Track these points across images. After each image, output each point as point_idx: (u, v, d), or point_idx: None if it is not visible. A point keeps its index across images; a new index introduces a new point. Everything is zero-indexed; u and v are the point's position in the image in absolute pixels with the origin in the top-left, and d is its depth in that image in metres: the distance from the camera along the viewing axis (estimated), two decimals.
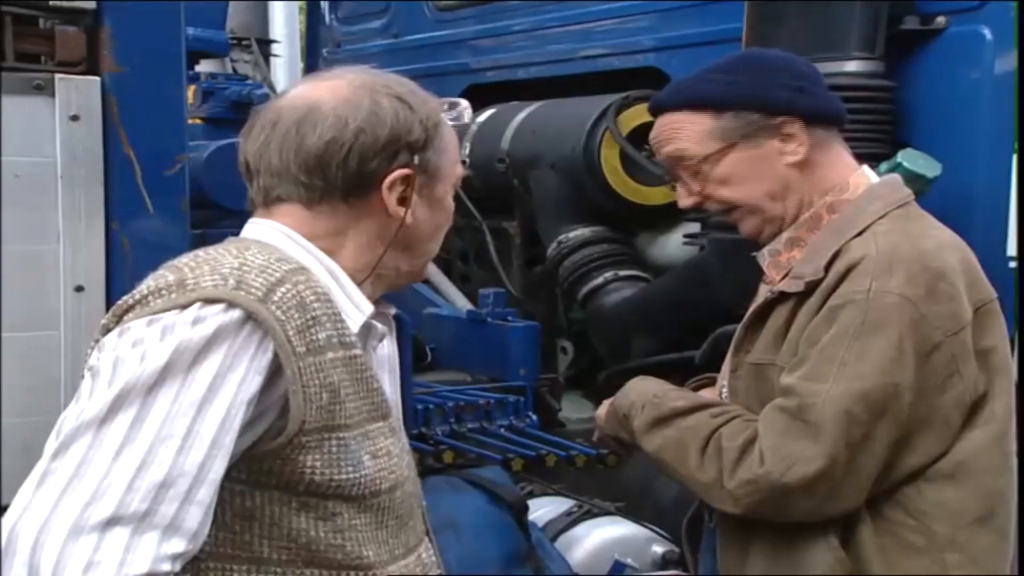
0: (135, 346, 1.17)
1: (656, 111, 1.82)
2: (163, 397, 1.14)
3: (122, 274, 2.03)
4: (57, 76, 2.00)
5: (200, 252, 1.28)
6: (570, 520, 2.90)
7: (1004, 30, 2.60)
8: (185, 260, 1.27)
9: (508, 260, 3.75)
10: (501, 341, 3.22)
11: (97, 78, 2.04)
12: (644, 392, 1.85)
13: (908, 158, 2.51)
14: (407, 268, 1.40)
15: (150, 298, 1.22)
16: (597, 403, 2.08)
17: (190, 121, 3.07)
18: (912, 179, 2.49)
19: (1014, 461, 1.74)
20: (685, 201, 1.81)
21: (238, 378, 1.17)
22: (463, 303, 3.62)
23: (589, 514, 2.94)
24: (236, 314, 1.19)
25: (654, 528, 2.88)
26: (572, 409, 3.47)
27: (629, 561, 2.80)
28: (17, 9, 2.00)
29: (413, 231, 1.36)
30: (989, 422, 1.67)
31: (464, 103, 1.47)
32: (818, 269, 1.68)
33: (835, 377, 1.60)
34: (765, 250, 1.80)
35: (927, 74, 2.70)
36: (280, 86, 5.51)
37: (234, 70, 4.74)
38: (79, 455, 1.11)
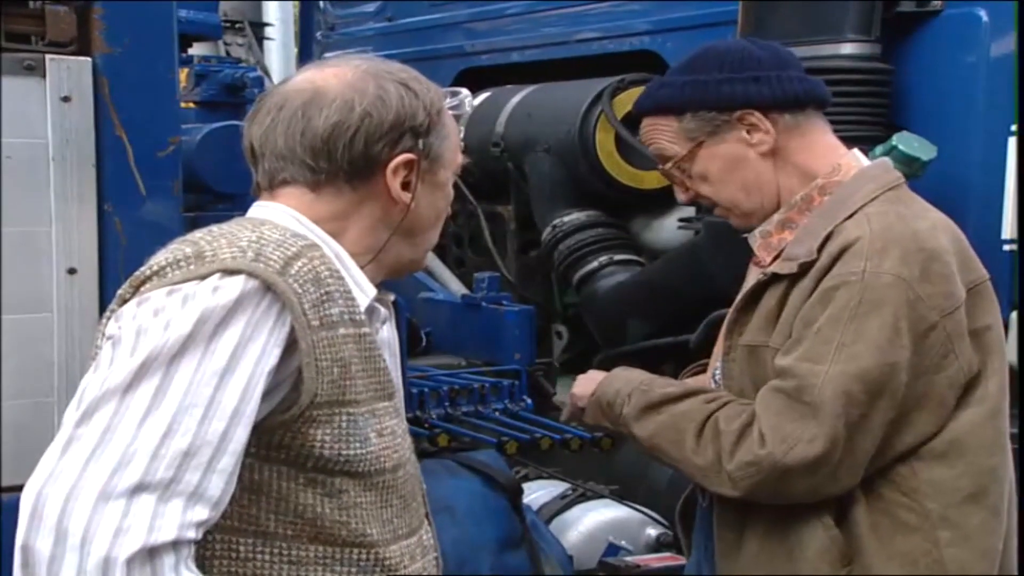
0: (157, 315, 1.18)
1: (638, 114, 1.89)
2: (185, 366, 1.16)
3: (115, 256, 2.01)
4: (48, 57, 1.98)
5: (214, 228, 1.30)
6: (564, 503, 2.92)
7: (1001, 12, 2.59)
8: (200, 235, 1.28)
9: (503, 244, 3.74)
10: (496, 325, 3.22)
11: (88, 59, 2.02)
12: (629, 380, 1.85)
13: (903, 141, 2.51)
14: (409, 256, 1.42)
15: (168, 269, 1.23)
16: None
17: (183, 105, 3.06)
18: (907, 162, 2.50)
19: (1007, 439, 1.76)
20: (680, 197, 1.87)
21: (258, 349, 1.19)
22: (458, 287, 3.61)
23: (583, 497, 2.95)
24: (255, 285, 1.20)
25: (648, 511, 2.89)
26: (567, 393, 3.47)
27: (623, 544, 2.81)
28: None
29: (415, 217, 1.38)
30: (983, 401, 1.69)
31: (465, 92, 1.48)
32: (811, 251, 1.69)
33: (832, 358, 1.61)
34: (756, 231, 1.81)
35: (923, 56, 2.70)
36: (274, 70, 5.49)
37: (227, 53, 4.72)
38: (104, 422, 1.13)
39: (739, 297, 1.81)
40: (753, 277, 1.81)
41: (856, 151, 1.82)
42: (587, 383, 1.94)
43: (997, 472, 1.72)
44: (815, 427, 1.60)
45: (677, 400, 1.76)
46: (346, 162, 1.33)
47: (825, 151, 1.79)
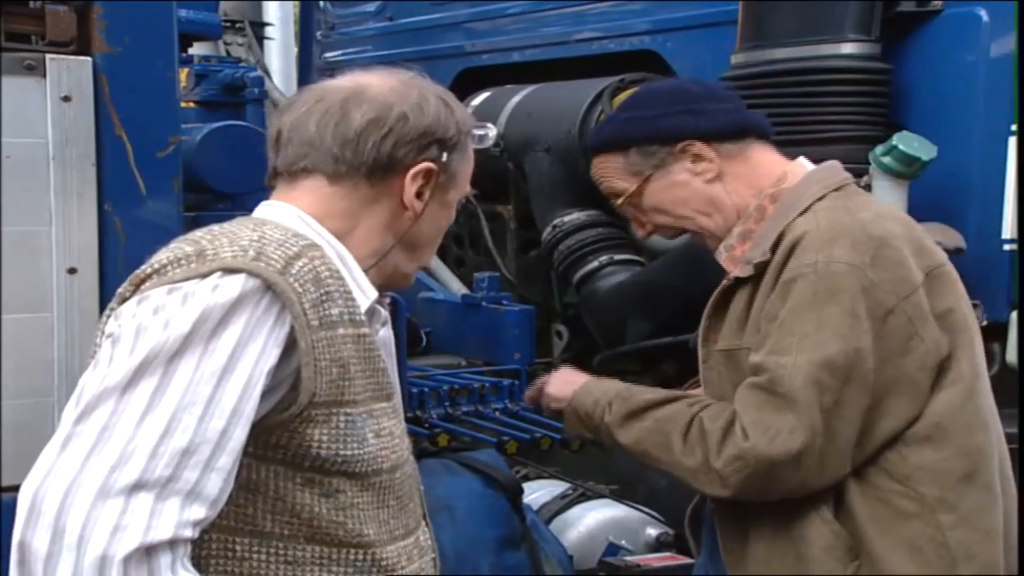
0: (157, 313, 1.19)
1: (591, 154, 1.95)
2: (185, 365, 1.16)
3: (115, 256, 2.02)
4: (48, 56, 1.98)
5: (215, 227, 1.31)
6: (564, 503, 2.92)
7: (1001, 12, 2.59)
8: (201, 233, 1.29)
9: (503, 244, 3.74)
10: (496, 325, 3.22)
11: (88, 58, 2.02)
12: (606, 390, 1.89)
13: (903, 141, 2.51)
14: (403, 270, 1.44)
15: (169, 268, 1.24)
16: None
17: (183, 104, 3.06)
18: (907, 162, 2.50)
19: (989, 416, 1.77)
20: (639, 232, 1.95)
21: (258, 348, 1.19)
22: (458, 287, 3.61)
23: (583, 497, 2.95)
24: (256, 284, 1.21)
25: (648, 511, 2.89)
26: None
27: (623, 543, 2.81)
28: None
29: (419, 230, 1.41)
30: (957, 382, 1.71)
31: (492, 128, 1.54)
32: (765, 251, 1.74)
33: (797, 348, 1.65)
34: (721, 247, 1.86)
35: (923, 56, 2.70)
36: (274, 70, 5.49)
37: (227, 53, 4.73)
38: (102, 420, 1.13)
39: (708, 305, 1.85)
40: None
41: (801, 159, 1.87)
42: (562, 385, 1.97)
43: (984, 450, 1.74)
44: (793, 418, 1.63)
45: (659, 406, 1.80)
46: (371, 158, 1.35)
47: (770, 167, 1.84)
